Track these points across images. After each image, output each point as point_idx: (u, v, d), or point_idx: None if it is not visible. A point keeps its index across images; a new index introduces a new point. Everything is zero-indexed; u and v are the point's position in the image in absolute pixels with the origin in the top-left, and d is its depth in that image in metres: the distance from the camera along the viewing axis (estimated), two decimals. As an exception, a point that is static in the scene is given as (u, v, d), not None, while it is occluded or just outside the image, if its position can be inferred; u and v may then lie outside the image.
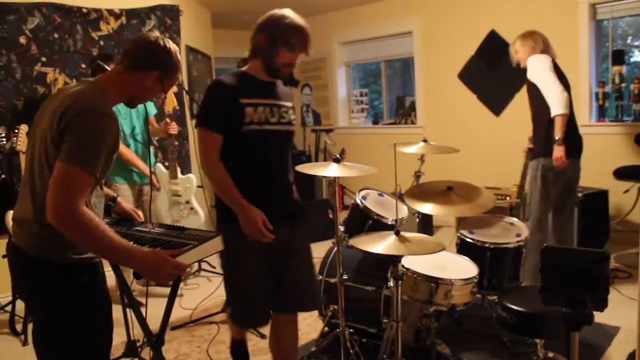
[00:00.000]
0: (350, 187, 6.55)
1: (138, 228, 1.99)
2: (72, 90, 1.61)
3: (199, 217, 3.87)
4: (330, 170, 2.46)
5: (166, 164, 3.96)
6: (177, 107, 3.71)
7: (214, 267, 4.38)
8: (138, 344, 2.65)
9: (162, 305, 1.86)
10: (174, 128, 3.67)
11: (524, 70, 3.37)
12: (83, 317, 1.63)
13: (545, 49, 3.34)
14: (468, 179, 3.04)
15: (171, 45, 1.73)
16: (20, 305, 3.32)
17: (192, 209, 3.85)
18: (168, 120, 3.64)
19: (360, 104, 7.03)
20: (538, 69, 3.25)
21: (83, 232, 1.46)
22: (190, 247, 1.69)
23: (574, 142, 3.29)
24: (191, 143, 4.54)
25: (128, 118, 3.62)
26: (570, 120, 3.25)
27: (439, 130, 5.71)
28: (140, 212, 2.17)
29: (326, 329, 2.90)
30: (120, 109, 3.51)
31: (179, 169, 3.86)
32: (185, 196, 3.84)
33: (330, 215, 2.56)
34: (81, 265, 1.62)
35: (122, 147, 3.59)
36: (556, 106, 3.16)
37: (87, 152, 1.49)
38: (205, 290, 3.98)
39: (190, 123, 4.54)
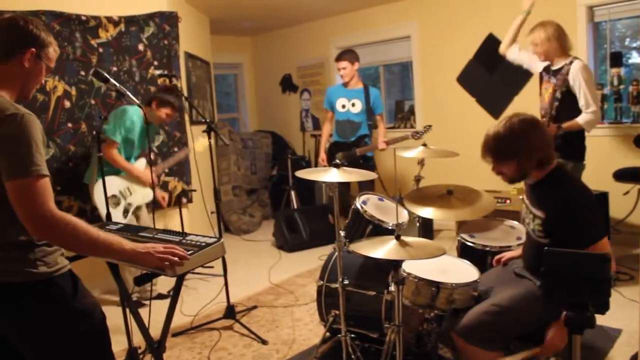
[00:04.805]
0: (350, 192, 6.54)
1: (142, 233, 2.00)
2: None
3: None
4: (330, 175, 2.46)
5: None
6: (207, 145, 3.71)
7: (212, 267, 4.37)
8: (139, 351, 2.64)
9: (163, 311, 1.85)
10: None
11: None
12: (77, 329, 1.59)
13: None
14: (468, 182, 3.04)
15: (32, 19, 1.64)
16: None
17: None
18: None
19: (360, 109, 7.02)
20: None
21: (69, 234, 1.48)
22: (191, 253, 1.69)
23: (582, 147, 3.44)
24: (190, 149, 4.54)
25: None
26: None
27: (438, 134, 5.70)
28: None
29: (328, 334, 2.89)
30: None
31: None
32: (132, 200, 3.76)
33: (331, 221, 2.56)
34: (54, 277, 1.57)
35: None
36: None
37: (30, 158, 1.45)
38: (206, 297, 3.97)
39: (190, 129, 4.53)
